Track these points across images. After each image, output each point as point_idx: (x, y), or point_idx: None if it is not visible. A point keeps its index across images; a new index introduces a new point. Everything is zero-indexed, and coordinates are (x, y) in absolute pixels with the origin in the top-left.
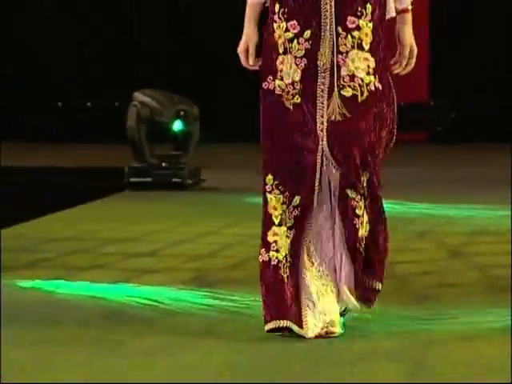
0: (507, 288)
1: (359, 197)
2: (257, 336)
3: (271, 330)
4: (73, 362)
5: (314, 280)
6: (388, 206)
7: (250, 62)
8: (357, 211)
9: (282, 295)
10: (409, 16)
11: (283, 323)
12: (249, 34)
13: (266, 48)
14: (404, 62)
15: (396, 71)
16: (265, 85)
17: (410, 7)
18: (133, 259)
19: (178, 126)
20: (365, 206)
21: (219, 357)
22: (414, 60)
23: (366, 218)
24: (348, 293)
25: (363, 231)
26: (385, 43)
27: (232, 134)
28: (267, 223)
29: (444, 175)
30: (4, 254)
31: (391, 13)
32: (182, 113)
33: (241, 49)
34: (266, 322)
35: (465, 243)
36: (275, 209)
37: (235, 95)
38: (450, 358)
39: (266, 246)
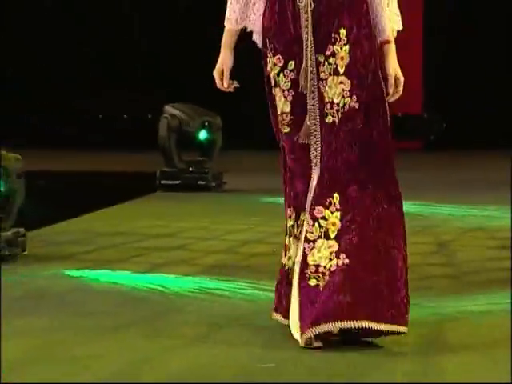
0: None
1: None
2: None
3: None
4: (109, 343)
5: None
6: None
7: (224, 85)
8: (308, 237)
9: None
10: (390, 47)
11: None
12: (224, 59)
13: (265, 78)
14: (391, 91)
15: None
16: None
17: (390, 39)
18: (164, 252)
19: (203, 135)
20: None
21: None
22: (400, 88)
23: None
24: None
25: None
26: (367, 60)
27: (251, 142)
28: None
29: (438, 179)
30: (53, 247)
31: (383, 36)
32: (206, 123)
33: (216, 72)
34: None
35: (455, 239)
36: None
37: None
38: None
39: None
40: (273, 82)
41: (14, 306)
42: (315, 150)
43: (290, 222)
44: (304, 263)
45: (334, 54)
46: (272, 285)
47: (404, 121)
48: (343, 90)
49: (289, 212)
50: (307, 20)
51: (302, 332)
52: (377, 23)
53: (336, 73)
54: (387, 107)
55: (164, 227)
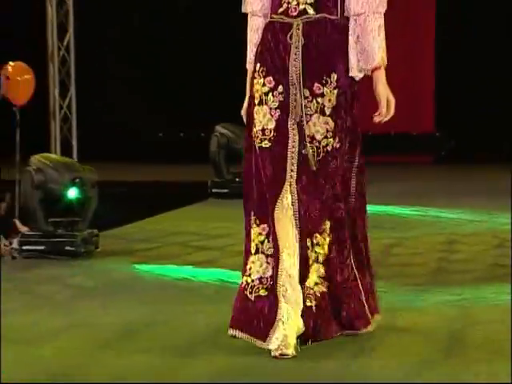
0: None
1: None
2: None
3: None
4: (177, 324)
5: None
6: (403, 210)
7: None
8: (308, 262)
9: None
10: (380, 72)
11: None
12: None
13: (249, 99)
14: (383, 112)
15: (377, 120)
16: (246, 131)
17: (380, 65)
18: (220, 248)
19: None
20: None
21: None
22: (392, 109)
23: (317, 262)
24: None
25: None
26: (348, 105)
27: None
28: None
29: (448, 188)
30: (122, 245)
31: (373, 63)
32: None
33: (244, 111)
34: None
35: (455, 240)
36: (253, 240)
37: None
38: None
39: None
40: (257, 101)
41: (89, 294)
42: (291, 171)
43: (261, 238)
44: (304, 285)
45: (322, 95)
46: None
47: (418, 139)
48: (327, 130)
49: (260, 229)
50: (296, 54)
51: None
52: (368, 51)
53: (322, 113)
54: (361, 147)
55: (218, 228)
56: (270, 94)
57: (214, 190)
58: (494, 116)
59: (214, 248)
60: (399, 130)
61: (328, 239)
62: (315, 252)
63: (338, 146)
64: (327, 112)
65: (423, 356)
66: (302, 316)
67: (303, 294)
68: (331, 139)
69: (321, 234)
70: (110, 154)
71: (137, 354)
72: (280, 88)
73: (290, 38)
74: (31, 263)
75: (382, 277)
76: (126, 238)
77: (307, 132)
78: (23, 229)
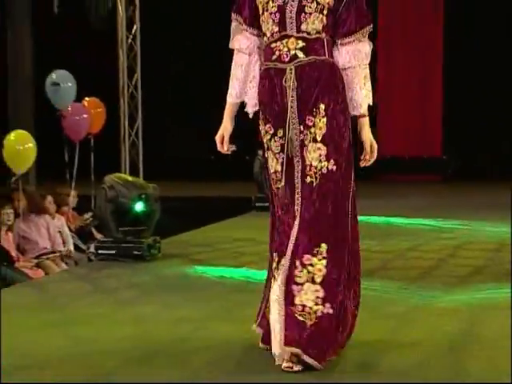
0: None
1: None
2: None
3: None
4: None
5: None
6: (413, 221)
7: (225, 148)
8: (297, 281)
9: None
10: (365, 120)
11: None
12: (225, 127)
13: (261, 142)
14: (367, 156)
15: (363, 164)
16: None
17: (365, 113)
18: (260, 255)
19: None
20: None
21: None
22: (375, 154)
23: (312, 286)
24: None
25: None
26: (342, 130)
27: None
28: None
29: (456, 202)
30: (181, 250)
31: (359, 110)
32: None
33: (218, 137)
34: None
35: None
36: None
37: None
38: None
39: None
40: (266, 146)
41: (153, 291)
42: (297, 204)
43: (274, 265)
44: (291, 303)
45: (314, 125)
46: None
47: (427, 161)
48: (320, 155)
49: (274, 257)
50: (292, 96)
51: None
52: (355, 100)
53: (314, 140)
54: (353, 170)
55: (261, 235)
56: (272, 139)
57: (257, 204)
58: (495, 140)
59: (259, 252)
60: (412, 153)
61: (324, 261)
62: (308, 272)
63: (333, 168)
64: (318, 139)
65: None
66: (293, 330)
67: (294, 311)
68: (325, 162)
69: (314, 255)
70: (170, 174)
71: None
72: (280, 132)
73: (285, 81)
74: (105, 265)
75: (403, 278)
76: (184, 244)
77: (307, 162)
78: (98, 236)
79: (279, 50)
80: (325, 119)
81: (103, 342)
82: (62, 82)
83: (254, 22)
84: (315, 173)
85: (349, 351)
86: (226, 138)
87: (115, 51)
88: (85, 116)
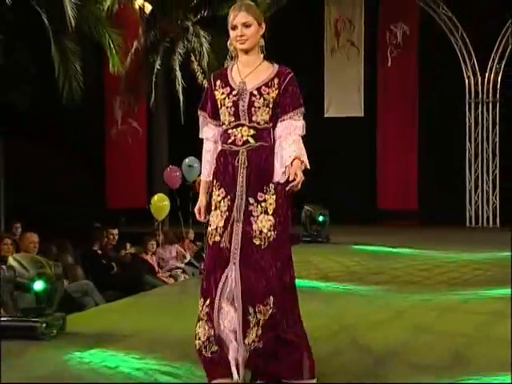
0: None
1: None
2: None
3: None
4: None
5: None
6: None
7: (202, 218)
8: (249, 325)
9: None
10: (296, 161)
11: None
12: (201, 200)
13: (209, 206)
14: (292, 183)
15: (288, 187)
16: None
17: (296, 156)
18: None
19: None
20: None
21: None
22: (297, 183)
23: (255, 332)
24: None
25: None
26: (286, 206)
27: None
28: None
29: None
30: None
31: (289, 160)
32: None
33: (196, 209)
34: None
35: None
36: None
37: None
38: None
39: None
40: (214, 207)
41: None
42: (234, 255)
43: (200, 308)
44: (244, 340)
45: (265, 200)
46: None
47: (407, 213)
48: (270, 225)
49: (202, 300)
50: (242, 173)
51: None
52: (283, 156)
53: (266, 213)
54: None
55: (311, 258)
56: (222, 201)
57: (303, 238)
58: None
59: (303, 270)
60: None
61: (270, 310)
62: (257, 317)
63: (276, 237)
64: (270, 212)
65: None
66: (248, 359)
67: (249, 345)
68: (272, 232)
69: (264, 305)
70: None
71: None
72: (229, 197)
73: (237, 161)
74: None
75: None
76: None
77: (255, 227)
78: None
79: (234, 136)
80: (274, 196)
81: None
82: (193, 164)
83: (215, 116)
84: (264, 238)
85: None
86: (203, 210)
87: None
88: None
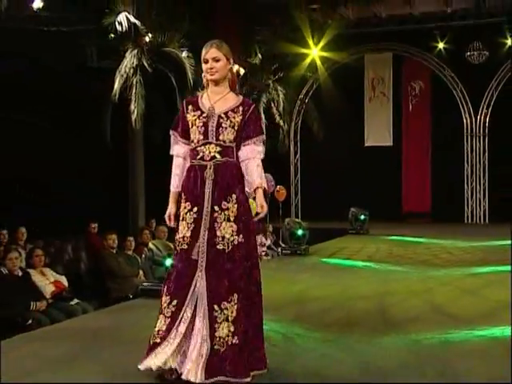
0: None
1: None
2: None
3: None
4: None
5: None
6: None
7: (172, 224)
8: (217, 320)
9: None
10: (259, 190)
11: None
12: (171, 208)
13: (178, 217)
14: (259, 210)
15: (256, 218)
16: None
17: (259, 186)
18: (353, 254)
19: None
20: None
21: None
22: (264, 211)
23: (226, 327)
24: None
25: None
26: (246, 213)
27: None
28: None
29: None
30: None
31: (254, 186)
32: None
33: (167, 216)
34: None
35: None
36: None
37: None
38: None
39: None
40: (181, 218)
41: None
42: (201, 262)
43: (164, 305)
44: (213, 336)
45: (227, 209)
46: None
47: (423, 213)
48: (232, 231)
49: (168, 299)
50: (209, 184)
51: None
52: (249, 181)
53: (228, 220)
54: (256, 239)
55: (355, 246)
56: (188, 213)
57: (349, 231)
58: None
59: (352, 254)
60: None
61: (236, 306)
62: (224, 314)
63: (242, 240)
64: (231, 219)
65: None
66: (210, 355)
67: (213, 342)
68: (236, 236)
69: (229, 302)
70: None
71: None
72: (195, 209)
73: (206, 173)
74: None
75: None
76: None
77: (219, 233)
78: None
79: (203, 152)
80: (236, 205)
81: None
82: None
83: (185, 135)
84: (227, 243)
85: None
86: (172, 217)
87: None
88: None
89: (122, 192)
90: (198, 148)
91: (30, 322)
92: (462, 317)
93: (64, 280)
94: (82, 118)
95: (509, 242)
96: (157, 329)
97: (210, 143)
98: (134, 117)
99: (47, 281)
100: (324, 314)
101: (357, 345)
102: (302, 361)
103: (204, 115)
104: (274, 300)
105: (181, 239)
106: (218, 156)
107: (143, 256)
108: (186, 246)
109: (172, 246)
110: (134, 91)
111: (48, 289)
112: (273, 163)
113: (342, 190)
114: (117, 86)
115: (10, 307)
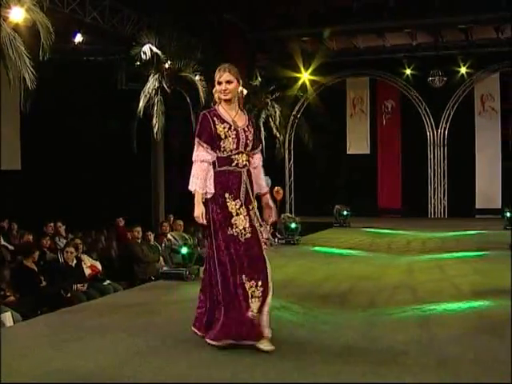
0: None
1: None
2: None
3: None
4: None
5: None
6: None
7: (205, 222)
8: (250, 294)
9: None
10: (267, 196)
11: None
12: (202, 209)
13: (223, 214)
14: (274, 217)
15: (271, 220)
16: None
17: (267, 191)
18: (349, 244)
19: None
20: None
21: None
22: (275, 215)
23: (256, 300)
24: None
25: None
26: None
27: None
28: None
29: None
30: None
31: (264, 190)
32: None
33: (199, 215)
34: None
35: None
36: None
37: None
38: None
39: None
40: (235, 213)
41: None
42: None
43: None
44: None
45: (253, 208)
46: None
47: (395, 209)
48: (259, 224)
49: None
50: (244, 188)
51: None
52: (261, 185)
53: (256, 216)
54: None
55: (343, 237)
56: (241, 208)
57: (334, 225)
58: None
59: (338, 244)
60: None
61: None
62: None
63: (254, 230)
64: (257, 214)
65: None
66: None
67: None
68: (249, 234)
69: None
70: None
71: None
72: (244, 206)
73: (242, 178)
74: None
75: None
76: (306, 243)
77: (253, 226)
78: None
79: (237, 160)
80: (256, 203)
81: None
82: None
83: (211, 144)
84: (244, 234)
85: None
86: (204, 215)
87: None
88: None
89: (146, 192)
90: (233, 156)
91: (69, 295)
92: (428, 293)
93: (98, 264)
94: (115, 132)
95: (463, 232)
96: (199, 305)
97: (242, 153)
98: (155, 130)
99: (85, 265)
100: (313, 291)
101: (339, 317)
102: (288, 330)
103: (232, 128)
104: (274, 280)
105: (242, 231)
106: (247, 164)
107: (163, 245)
108: (249, 235)
109: (187, 237)
110: (155, 108)
111: (86, 271)
112: (271, 168)
113: (328, 190)
114: (141, 104)
115: (60, 288)
